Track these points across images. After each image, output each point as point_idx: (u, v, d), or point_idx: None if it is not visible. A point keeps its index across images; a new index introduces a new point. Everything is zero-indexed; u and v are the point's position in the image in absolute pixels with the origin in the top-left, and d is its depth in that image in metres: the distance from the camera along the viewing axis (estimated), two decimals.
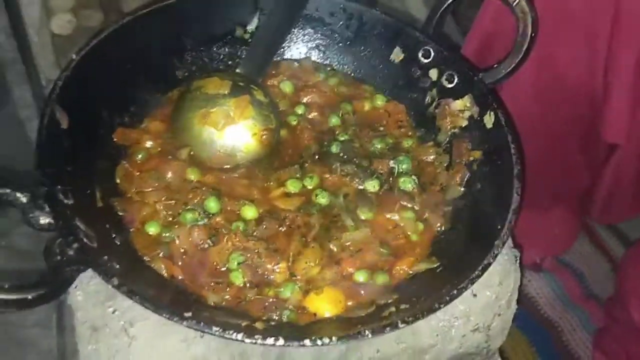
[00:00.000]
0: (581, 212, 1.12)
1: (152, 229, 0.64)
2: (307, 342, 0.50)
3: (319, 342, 0.50)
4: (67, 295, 0.67)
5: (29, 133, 1.23)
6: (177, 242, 0.63)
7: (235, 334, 0.50)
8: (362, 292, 0.62)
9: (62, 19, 1.12)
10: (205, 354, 0.60)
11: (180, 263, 0.63)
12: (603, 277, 1.15)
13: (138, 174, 0.68)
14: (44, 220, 0.56)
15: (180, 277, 0.62)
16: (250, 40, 0.79)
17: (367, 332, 0.52)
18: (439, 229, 0.68)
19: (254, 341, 0.50)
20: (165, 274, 0.62)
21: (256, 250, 0.63)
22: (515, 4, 0.70)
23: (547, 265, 1.16)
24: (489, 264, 0.57)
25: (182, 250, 0.63)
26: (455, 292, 0.55)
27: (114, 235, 0.62)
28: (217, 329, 0.50)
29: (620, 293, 0.98)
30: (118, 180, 0.67)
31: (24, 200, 0.56)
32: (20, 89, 1.16)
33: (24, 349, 1.04)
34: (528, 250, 1.10)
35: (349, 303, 0.62)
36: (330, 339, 0.50)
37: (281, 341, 0.50)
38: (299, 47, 0.82)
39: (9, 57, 1.11)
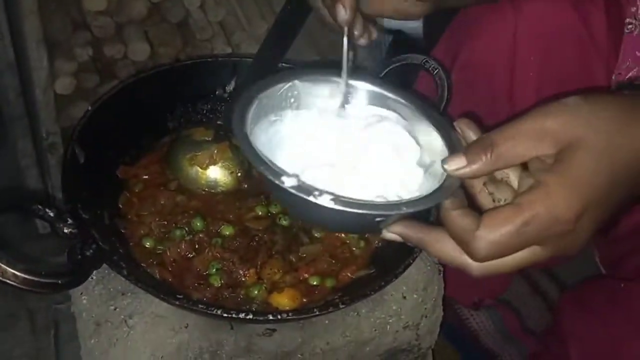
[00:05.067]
0: None
1: (148, 243, 0.79)
2: (269, 316, 0.66)
3: (278, 316, 0.66)
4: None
5: (27, 180, 1.37)
6: (168, 253, 0.78)
7: (216, 310, 0.66)
8: (315, 292, 0.78)
9: (64, 81, 1.28)
10: (189, 341, 0.75)
11: (170, 269, 0.77)
12: (539, 315, 1.25)
13: (136, 200, 0.84)
14: (67, 230, 0.72)
15: (170, 279, 0.77)
16: (228, 98, 0.97)
17: (315, 310, 0.68)
18: (377, 245, 0.83)
19: (230, 315, 0.66)
20: (158, 277, 0.77)
21: (231, 260, 0.77)
22: (435, 72, 0.89)
23: (486, 302, 1.26)
24: (409, 264, 0.73)
25: (172, 259, 0.78)
26: (383, 283, 0.72)
27: (118, 246, 0.77)
28: (202, 306, 0.66)
29: (558, 331, 1.02)
30: (121, 205, 0.83)
31: (52, 214, 0.72)
32: (23, 140, 1.32)
33: None
34: (465, 294, 1.23)
35: (304, 300, 0.76)
36: (288, 314, 0.67)
37: (250, 315, 0.66)
38: None
39: (17, 113, 1.27)
